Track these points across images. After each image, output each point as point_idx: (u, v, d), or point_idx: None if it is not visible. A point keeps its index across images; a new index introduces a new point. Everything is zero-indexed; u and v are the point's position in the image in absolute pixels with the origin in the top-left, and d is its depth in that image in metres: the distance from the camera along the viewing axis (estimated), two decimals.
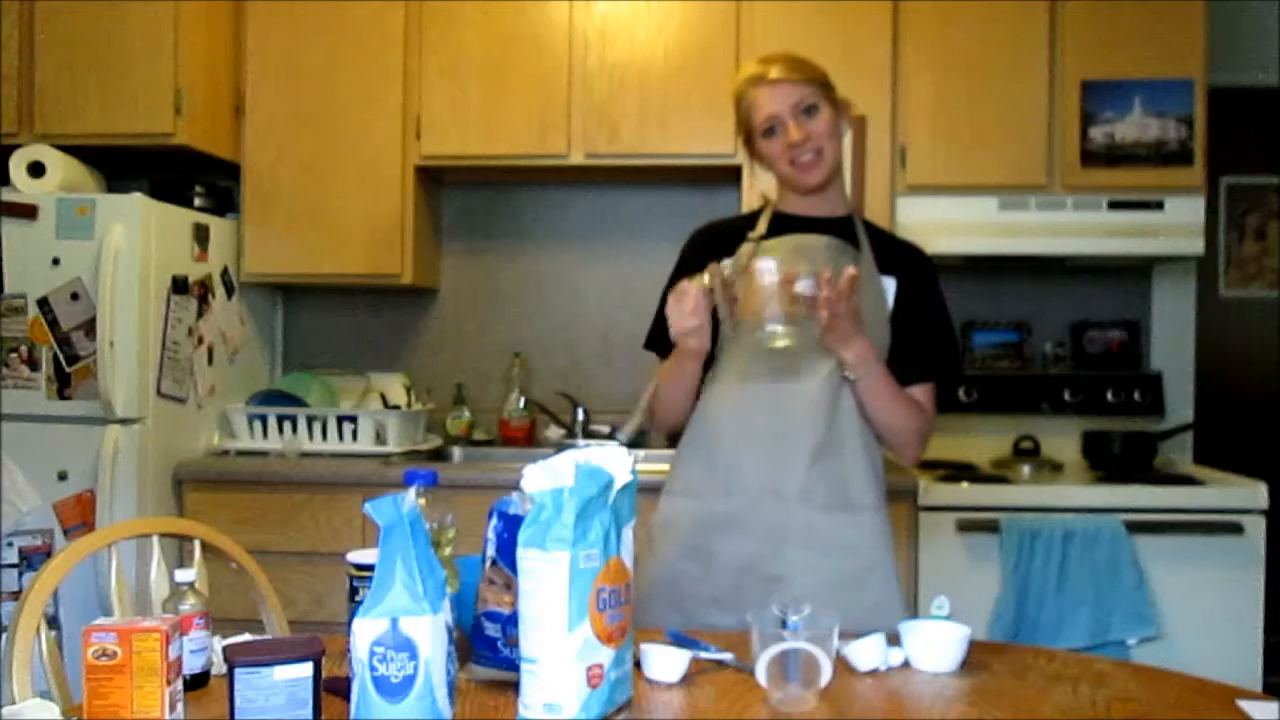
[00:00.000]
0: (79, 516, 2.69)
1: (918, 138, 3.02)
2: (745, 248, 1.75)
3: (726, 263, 1.77)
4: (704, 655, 1.42)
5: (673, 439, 1.85)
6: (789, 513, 1.69)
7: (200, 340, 3.00)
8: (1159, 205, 2.95)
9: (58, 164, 2.82)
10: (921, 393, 1.79)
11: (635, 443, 3.33)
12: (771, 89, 1.69)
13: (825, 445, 1.70)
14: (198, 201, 3.13)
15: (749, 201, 3.03)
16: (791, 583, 1.68)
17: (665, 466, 2.56)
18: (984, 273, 3.35)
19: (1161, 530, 2.70)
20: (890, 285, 1.77)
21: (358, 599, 1.28)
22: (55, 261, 2.71)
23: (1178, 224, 2.95)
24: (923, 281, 1.80)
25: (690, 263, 1.81)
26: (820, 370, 1.70)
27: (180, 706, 1.16)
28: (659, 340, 1.83)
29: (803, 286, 1.53)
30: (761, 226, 1.78)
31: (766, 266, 1.55)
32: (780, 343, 1.52)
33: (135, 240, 2.71)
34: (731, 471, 1.72)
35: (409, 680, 1.09)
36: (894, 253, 1.81)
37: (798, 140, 1.69)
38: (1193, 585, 2.70)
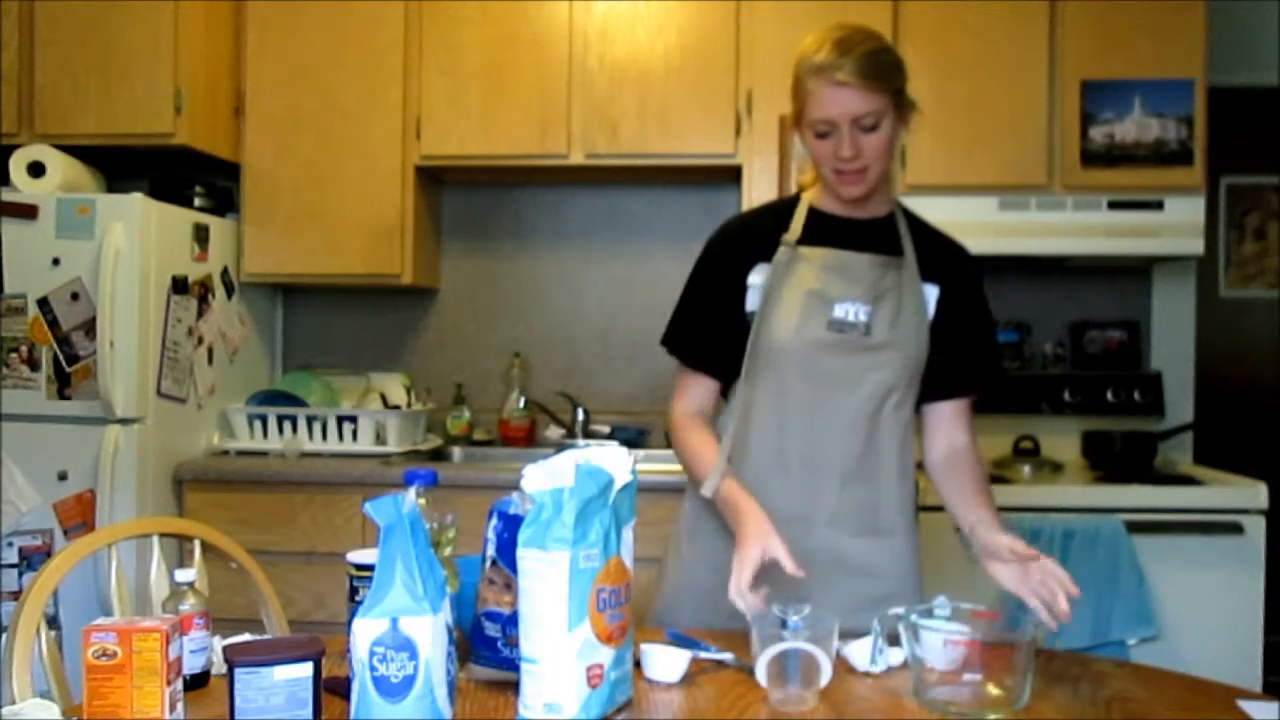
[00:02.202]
0: (79, 516, 2.69)
1: (917, 138, 3.01)
2: (781, 253, 1.65)
3: (761, 268, 1.66)
4: (704, 655, 1.42)
5: None
6: (815, 537, 1.63)
7: (200, 340, 3.00)
8: (1159, 205, 2.95)
9: (58, 164, 2.82)
10: (962, 409, 1.73)
11: (635, 443, 3.35)
12: (836, 89, 1.52)
13: (856, 472, 1.65)
14: (198, 201, 3.13)
15: (749, 201, 3.03)
16: (815, 604, 1.64)
17: (666, 467, 2.57)
18: (984, 273, 3.34)
19: (1161, 530, 2.70)
20: (932, 293, 1.70)
21: (358, 599, 1.28)
22: (55, 261, 2.71)
23: (1177, 224, 2.94)
24: (966, 287, 1.73)
25: (725, 263, 1.70)
26: (862, 387, 1.63)
27: (180, 706, 1.16)
28: (680, 340, 1.73)
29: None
30: (796, 227, 1.67)
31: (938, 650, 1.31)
32: (994, 716, 1.24)
33: (135, 240, 2.71)
34: (759, 493, 1.62)
35: (409, 680, 1.09)
36: (937, 257, 1.71)
37: (847, 156, 1.56)
38: (1193, 585, 2.70)
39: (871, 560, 1.67)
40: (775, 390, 1.65)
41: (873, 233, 1.68)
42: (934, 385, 1.71)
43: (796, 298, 1.63)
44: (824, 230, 1.67)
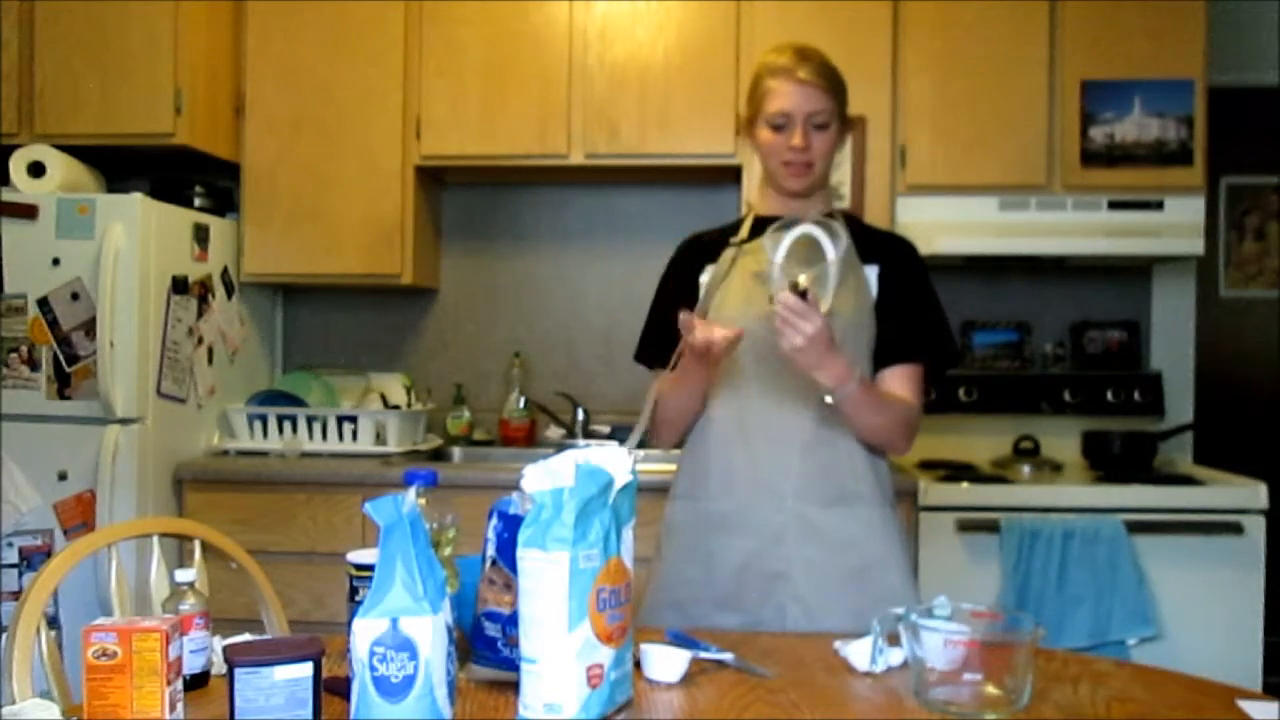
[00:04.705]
0: (79, 516, 2.69)
1: (918, 138, 3.02)
2: (727, 253, 1.77)
3: (709, 268, 1.79)
4: (704, 655, 1.42)
5: (675, 444, 1.86)
6: (785, 510, 1.70)
7: (200, 340, 3.00)
8: (1159, 205, 2.95)
9: (58, 164, 2.82)
10: (907, 374, 1.76)
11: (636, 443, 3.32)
12: (796, 86, 1.68)
13: (816, 440, 1.70)
14: (198, 201, 3.13)
15: (748, 201, 3.03)
16: (792, 579, 1.68)
17: (666, 467, 2.57)
18: (984, 273, 3.35)
19: (1161, 530, 2.70)
20: (872, 273, 1.77)
21: (358, 599, 1.28)
22: (55, 261, 2.71)
23: (1178, 224, 2.95)
24: (906, 266, 1.79)
25: (678, 270, 1.84)
26: None
27: (180, 706, 1.16)
28: (651, 352, 1.84)
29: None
30: (744, 232, 1.79)
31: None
32: (994, 716, 1.23)
33: (135, 240, 2.71)
34: (727, 472, 1.73)
35: (409, 680, 1.09)
36: (876, 242, 1.81)
37: (798, 146, 1.69)
38: (1193, 585, 2.70)
39: (843, 530, 1.71)
40: (730, 369, 1.72)
41: None
42: (880, 354, 1.76)
43: (742, 282, 1.74)
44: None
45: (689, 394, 1.73)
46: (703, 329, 1.55)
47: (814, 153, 1.71)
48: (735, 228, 1.83)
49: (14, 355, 2.72)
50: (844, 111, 1.74)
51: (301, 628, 2.54)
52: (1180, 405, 3.32)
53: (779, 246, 1.59)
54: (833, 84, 1.71)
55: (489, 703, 1.26)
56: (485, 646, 1.33)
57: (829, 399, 1.59)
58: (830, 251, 1.57)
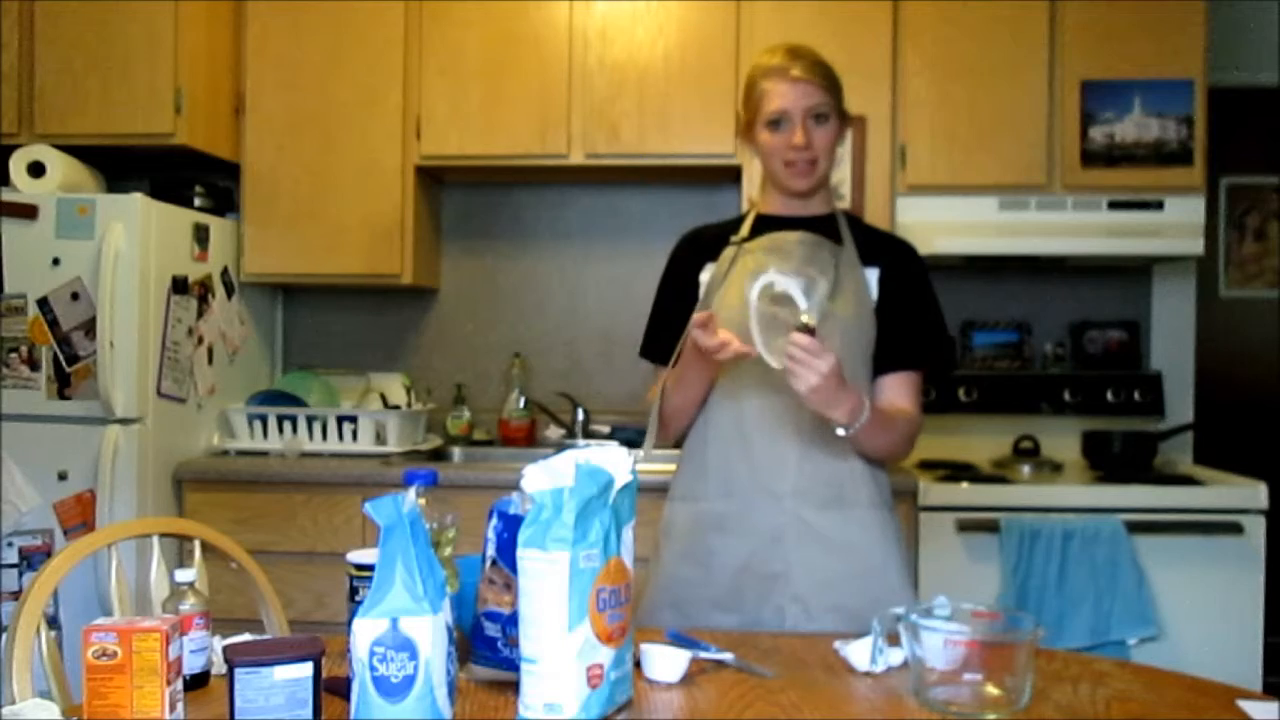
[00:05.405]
0: (79, 516, 2.69)
1: (918, 138, 3.02)
2: (727, 251, 1.77)
3: (709, 267, 1.79)
4: (704, 655, 1.42)
5: (675, 442, 1.86)
6: (783, 511, 1.70)
7: (200, 340, 3.00)
8: (1159, 205, 2.95)
9: (58, 164, 2.82)
10: (907, 381, 1.76)
11: (635, 443, 3.33)
12: (791, 85, 1.69)
13: (815, 443, 1.69)
14: (198, 201, 3.13)
15: (748, 201, 3.03)
16: (791, 580, 1.68)
17: (665, 467, 2.56)
18: (984, 273, 3.35)
19: (1161, 530, 2.70)
20: (873, 275, 1.76)
21: (358, 599, 1.28)
22: (55, 261, 2.71)
23: (1178, 224, 2.95)
24: (907, 269, 1.79)
25: (679, 267, 1.84)
26: None
27: (180, 706, 1.16)
28: (656, 347, 1.84)
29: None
30: (745, 230, 1.79)
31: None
32: (994, 716, 1.27)
33: (135, 240, 2.71)
34: (726, 472, 1.73)
35: (409, 680, 1.09)
36: (877, 244, 1.80)
37: (800, 144, 1.69)
38: (1193, 585, 2.70)
39: (842, 531, 1.70)
40: (731, 369, 1.71)
41: (813, 227, 1.77)
42: (880, 359, 1.76)
43: (739, 281, 1.72)
44: (770, 229, 1.77)
45: (694, 387, 1.72)
46: (712, 335, 1.54)
47: (816, 149, 1.71)
48: (736, 224, 1.83)
49: (14, 355, 2.72)
50: (841, 106, 1.74)
51: (301, 628, 2.54)
52: (1180, 405, 3.32)
53: (751, 290, 1.55)
54: (827, 79, 1.71)
55: (489, 703, 1.26)
56: (485, 646, 1.33)
57: (841, 432, 1.57)
58: (802, 302, 1.51)
